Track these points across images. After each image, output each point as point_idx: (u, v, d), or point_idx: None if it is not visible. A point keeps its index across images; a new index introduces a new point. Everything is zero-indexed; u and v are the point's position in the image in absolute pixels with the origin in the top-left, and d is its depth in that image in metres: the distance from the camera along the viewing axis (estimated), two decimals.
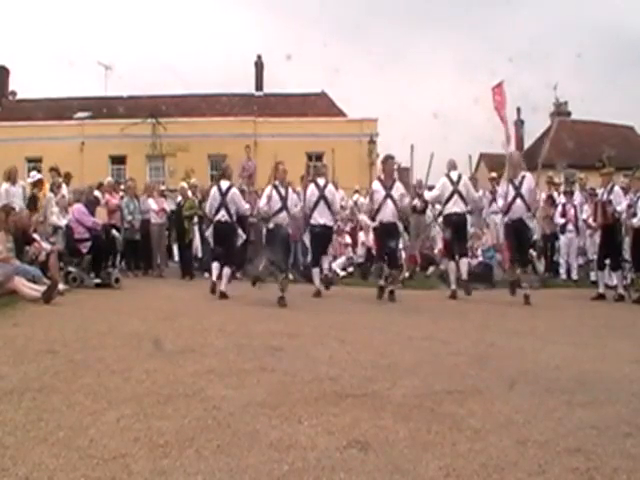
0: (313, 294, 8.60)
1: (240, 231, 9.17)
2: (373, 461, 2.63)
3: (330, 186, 9.09)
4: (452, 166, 9.07)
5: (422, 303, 8.62)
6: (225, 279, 8.26)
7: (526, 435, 2.96)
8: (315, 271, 8.92)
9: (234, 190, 8.60)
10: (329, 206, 8.83)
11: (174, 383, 3.72)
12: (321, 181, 9.02)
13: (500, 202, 8.62)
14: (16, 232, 7.81)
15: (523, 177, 8.28)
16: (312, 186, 9.00)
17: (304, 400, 3.44)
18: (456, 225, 8.83)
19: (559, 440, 2.89)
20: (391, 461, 2.63)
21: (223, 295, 8.02)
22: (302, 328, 5.88)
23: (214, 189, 8.70)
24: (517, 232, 8.34)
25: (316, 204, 8.76)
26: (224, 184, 8.52)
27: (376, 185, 8.65)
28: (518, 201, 8.18)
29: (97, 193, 11.09)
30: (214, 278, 8.37)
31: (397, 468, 2.56)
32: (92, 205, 9.79)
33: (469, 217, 9.97)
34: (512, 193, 8.22)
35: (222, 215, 8.36)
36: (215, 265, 8.46)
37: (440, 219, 10.15)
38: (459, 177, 8.92)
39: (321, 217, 8.78)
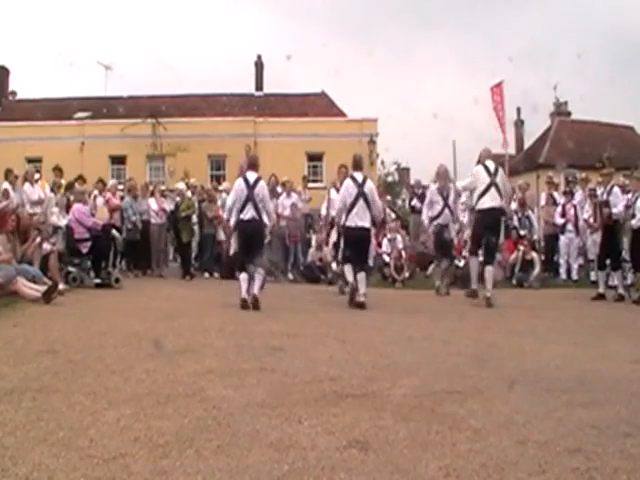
0: (349, 297, 7.50)
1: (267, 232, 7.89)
2: (373, 461, 2.63)
3: (369, 182, 7.83)
4: (487, 155, 8.26)
5: (422, 303, 8.62)
6: (258, 282, 7.07)
7: (526, 435, 2.96)
8: (347, 267, 7.71)
9: (263, 183, 7.48)
10: (368, 205, 7.56)
11: (174, 383, 3.72)
12: (359, 176, 7.70)
13: (425, 209, 9.74)
14: (17, 233, 7.83)
15: (450, 188, 9.29)
16: (348, 181, 7.72)
17: (304, 400, 3.44)
18: (491, 222, 8.00)
19: (559, 440, 2.89)
20: (391, 461, 2.63)
21: (255, 301, 6.92)
22: (302, 328, 5.87)
23: (239, 182, 7.40)
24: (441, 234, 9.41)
25: (354, 203, 7.50)
26: (252, 176, 7.30)
27: (333, 194, 8.98)
28: (446, 211, 9.33)
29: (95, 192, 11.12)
30: (243, 294, 7.01)
31: (397, 468, 2.56)
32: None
33: (467, 217, 10.01)
34: (441, 203, 9.33)
35: (249, 212, 7.15)
36: (243, 277, 7.11)
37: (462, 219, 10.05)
38: (496, 168, 8.07)
39: (359, 218, 7.51)
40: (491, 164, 8.10)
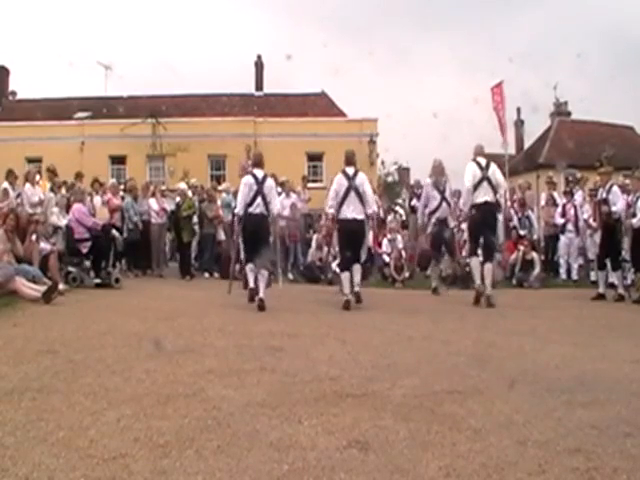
0: (343, 305, 7.33)
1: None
2: (373, 461, 2.63)
3: (361, 174, 7.86)
4: (479, 151, 8.24)
5: (422, 303, 8.61)
6: (262, 284, 7.12)
7: (526, 435, 2.96)
8: (344, 276, 7.61)
9: (271, 181, 7.62)
10: (360, 197, 7.61)
11: (174, 383, 3.72)
12: (350, 170, 7.78)
13: (420, 206, 9.76)
14: (17, 232, 7.83)
15: (445, 182, 9.31)
16: (339, 176, 7.82)
17: (304, 400, 3.44)
18: (485, 217, 7.95)
19: (559, 440, 2.89)
20: (391, 461, 2.63)
21: (261, 303, 6.95)
22: (302, 328, 5.87)
23: (247, 178, 7.50)
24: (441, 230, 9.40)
25: (345, 196, 7.58)
26: (259, 172, 7.48)
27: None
28: (444, 204, 9.28)
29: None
30: (252, 284, 7.18)
31: (397, 468, 2.56)
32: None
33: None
34: (438, 197, 9.27)
35: (258, 205, 7.28)
36: (250, 267, 7.25)
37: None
38: (488, 163, 8.08)
39: (351, 210, 7.56)
40: (482, 160, 8.10)
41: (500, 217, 10.96)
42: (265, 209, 7.32)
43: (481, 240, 8.13)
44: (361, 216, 7.65)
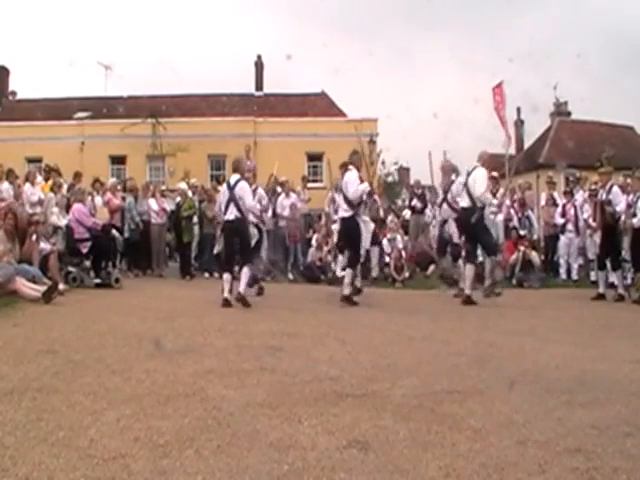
0: (341, 298, 7.61)
1: (254, 229, 8.04)
2: (373, 461, 2.63)
3: (347, 175, 7.97)
4: (478, 157, 8.51)
5: (422, 303, 8.62)
6: (244, 280, 7.33)
7: (526, 435, 2.96)
8: (347, 272, 7.78)
9: (242, 184, 7.62)
10: (344, 196, 7.88)
11: (174, 383, 3.72)
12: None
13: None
14: (16, 232, 7.82)
15: (452, 183, 9.19)
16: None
17: (304, 400, 3.44)
18: (464, 221, 8.37)
19: (559, 440, 2.90)
20: (391, 461, 2.63)
21: (243, 301, 7.13)
22: (302, 328, 5.87)
23: (224, 186, 7.91)
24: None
25: (335, 199, 8.47)
26: (233, 178, 7.61)
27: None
28: (444, 205, 9.35)
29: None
30: (225, 294, 7.24)
31: (397, 468, 2.56)
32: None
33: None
34: (440, 197, 9.48)
35: (231, 212, 7.43)
36: (226, 277, 7.38)
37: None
38: (474, 168, 8.35)
39: (340, 210, 8.14)
40: (471, 166, 8.43)
41: (497, 218, 11.05)
42: (239, 213, 7.45)
43: (477, 243, 8.49)
44: (345, 213, 7.93)
